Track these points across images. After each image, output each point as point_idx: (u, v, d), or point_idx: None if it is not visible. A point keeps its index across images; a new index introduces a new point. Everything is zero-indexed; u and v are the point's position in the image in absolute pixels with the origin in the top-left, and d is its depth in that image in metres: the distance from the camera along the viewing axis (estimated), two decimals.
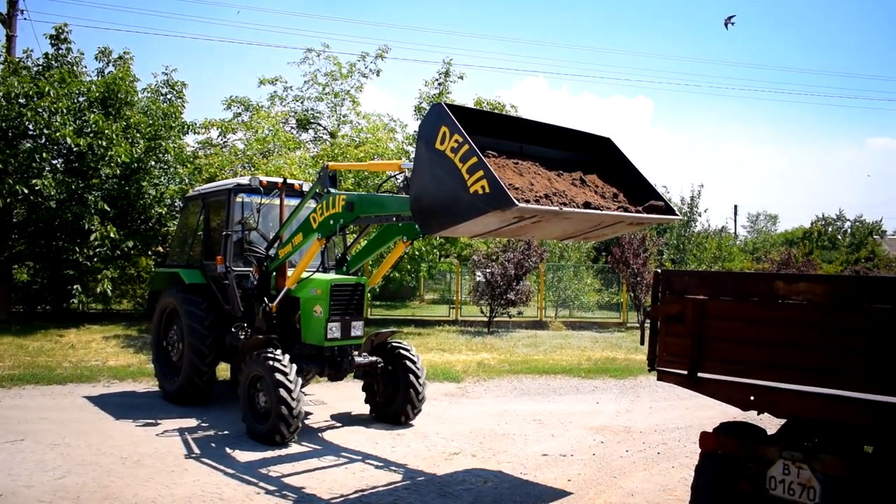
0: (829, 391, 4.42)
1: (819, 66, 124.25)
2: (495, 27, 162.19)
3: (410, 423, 9.14)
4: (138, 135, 17.19)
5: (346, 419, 9.43)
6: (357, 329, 8.86)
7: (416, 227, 7.54)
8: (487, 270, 19.32)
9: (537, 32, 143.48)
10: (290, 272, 9.07)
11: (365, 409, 9.55)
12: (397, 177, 8.53)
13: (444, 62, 22.18)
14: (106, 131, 16.12)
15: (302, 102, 22.82)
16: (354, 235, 10.03)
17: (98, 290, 16.45)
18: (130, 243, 16.92)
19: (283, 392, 7.77)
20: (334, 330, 8.61)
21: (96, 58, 18.48)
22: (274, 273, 9.26)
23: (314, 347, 8.77)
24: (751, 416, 5.46)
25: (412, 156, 18.45)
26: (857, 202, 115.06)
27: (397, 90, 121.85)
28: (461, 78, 21.99)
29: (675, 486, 6.91)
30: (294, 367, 8.08)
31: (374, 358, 9.07)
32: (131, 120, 16.99)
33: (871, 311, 4.28)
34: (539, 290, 22.23)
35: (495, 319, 20.13)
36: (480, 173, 5.12)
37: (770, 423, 5.22)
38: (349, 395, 10.46)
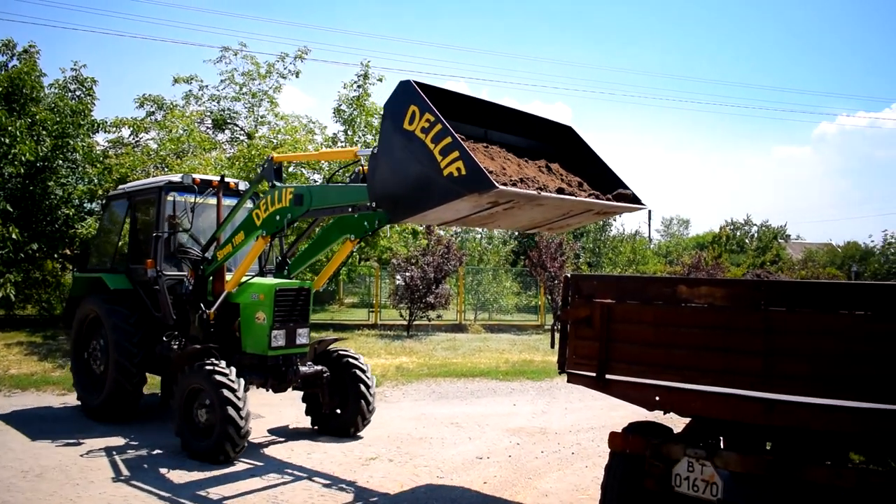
0: (729, 391, 4.60)
1: (728, 77, 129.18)
2: (416, 31, 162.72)
3: (359, 434, 8.76)
4: (44, 132, 16.44)
5: (284, 433, 9.16)
6: (303, 336, 8.36)
7: (365, 223, 7.06)
8: (407, 274, 19.30)
9: (458, 37, 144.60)
10: (227, 277, 8.58)
11: (304, 421, 9.16)
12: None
13: (363, 64, 22.03)
14: (9, 128, 15.35)
15: (218, 102, 22.23)
16: (294, 237, 9.54)
17: (0, 294, 15.70)
18: (35, 246, 16.17)
19: (231, 411, 7.21)
20: (279, 338, 8.06)
21: None
22: (211, 277, 8.69)
23: (256, 357, 8.20)
24: (660, 417, 5.62)
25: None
26: (764, 208, 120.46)
27: (316, 92, 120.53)
28: (380, 80, 21.80)
29: (588, 485, 7.07)
30: (242, 381, 7.52)
31: (319, 367, 8.60)
32: (37, 117, 16.23)
33: (768, 313, 4.49)
34: (458, 294, 22.36)
35: (415, 323, 20.12)
36: (455, 154, 4.87)
37: (679, 423, 5.37)
38: (266, 401, 10.30)
